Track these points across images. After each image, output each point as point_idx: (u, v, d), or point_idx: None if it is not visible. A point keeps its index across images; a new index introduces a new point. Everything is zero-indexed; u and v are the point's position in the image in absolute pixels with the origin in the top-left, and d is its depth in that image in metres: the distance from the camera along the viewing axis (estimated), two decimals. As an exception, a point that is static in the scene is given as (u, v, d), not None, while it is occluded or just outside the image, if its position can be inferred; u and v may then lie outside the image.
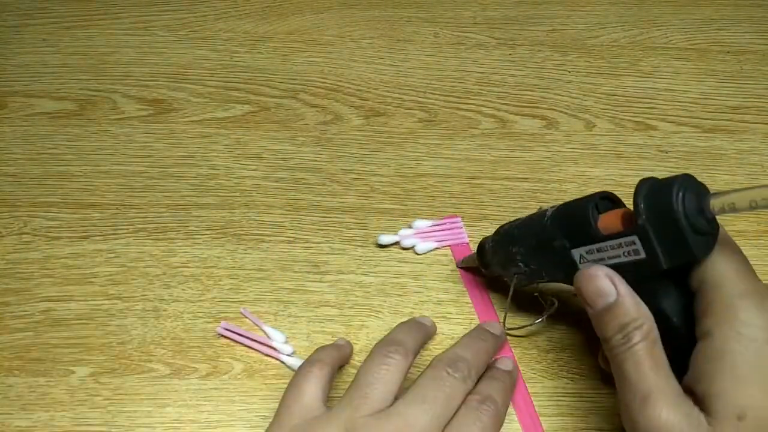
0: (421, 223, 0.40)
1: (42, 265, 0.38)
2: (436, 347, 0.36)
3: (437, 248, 0.39)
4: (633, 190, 0.27)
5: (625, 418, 0.27)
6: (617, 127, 0.45)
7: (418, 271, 0.39)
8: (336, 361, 0.32)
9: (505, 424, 0.30)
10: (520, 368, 0.35)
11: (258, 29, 0.50)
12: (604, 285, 0.28)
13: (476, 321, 0.37)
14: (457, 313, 0.37)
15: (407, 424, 0.27)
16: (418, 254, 0.39)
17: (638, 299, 0.27)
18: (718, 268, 0.26)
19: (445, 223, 0.40)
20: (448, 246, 0.40)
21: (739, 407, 0.24)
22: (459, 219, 0.41)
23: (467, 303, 0.38)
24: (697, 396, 0.25)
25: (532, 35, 0.50)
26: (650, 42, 0.50)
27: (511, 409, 0.34)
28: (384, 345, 0.30)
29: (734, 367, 0.24)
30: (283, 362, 0.35)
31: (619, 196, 0.28)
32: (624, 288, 0.27)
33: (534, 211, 0.33)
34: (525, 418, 0.34)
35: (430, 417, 0.27)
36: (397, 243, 0.39)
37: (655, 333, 0.27)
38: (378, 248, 0.39)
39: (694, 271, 0.27)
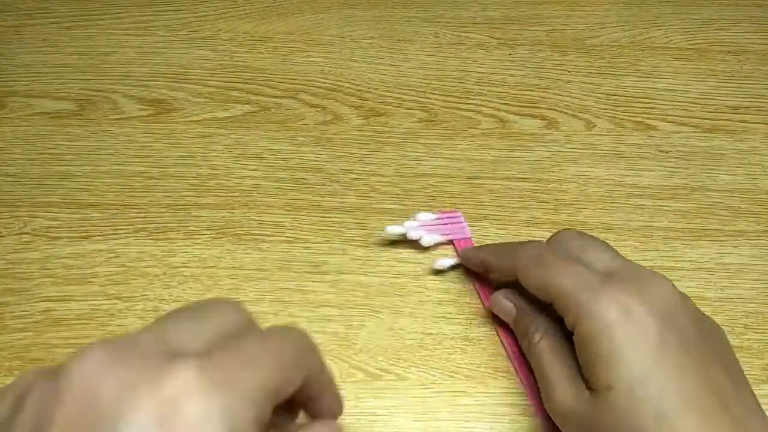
0: (425, 216, 0.40)
1: (42, 265, 0.38)
2: (436, 347, 0.36)
3: (441, 242, 0.39)
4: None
5: (544, 404, 0.31)
6: (617, 127, 0.45)
7: (418, 271, 0.39)
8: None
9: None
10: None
11: (258, 29, 0.50)
12: (504, 304, 0.35)
13: (476, 321, 0.37)
14: (457, 313, 0.37)
15: None
16: (424, 247, 0.39)
17: (534, 309, 0.33)
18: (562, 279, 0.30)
19: (446, 218, 0.40)
20: (452, 240, 0.39)
21: (608, 381, 0.28)
22: (459, 214, 0.41)
23: (467, 303, 0.38)
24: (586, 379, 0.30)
25: (532, 35, 0.50)
26: (650, 42, 0.50)
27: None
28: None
29: (597, 353, 0.28)
30: None
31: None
32: (520, 302, 0.34)
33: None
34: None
35: None
36: (403, 235, 0.39)
37: (553, 331, 0.32)
38: (378, 248, 0.39)
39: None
